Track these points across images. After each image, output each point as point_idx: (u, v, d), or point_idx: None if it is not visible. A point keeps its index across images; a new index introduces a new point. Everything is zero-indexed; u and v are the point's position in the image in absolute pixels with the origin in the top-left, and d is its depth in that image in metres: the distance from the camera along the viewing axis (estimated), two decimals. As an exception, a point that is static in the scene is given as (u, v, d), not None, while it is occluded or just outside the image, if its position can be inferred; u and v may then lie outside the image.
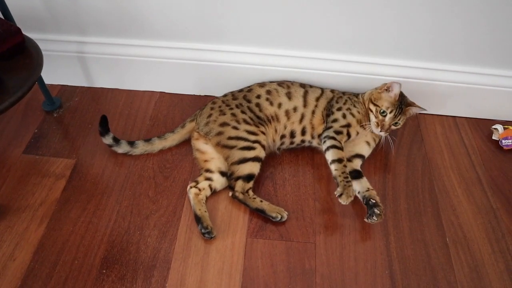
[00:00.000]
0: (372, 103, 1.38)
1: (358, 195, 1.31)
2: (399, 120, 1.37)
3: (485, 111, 1.59)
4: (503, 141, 1.49)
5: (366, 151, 1.41)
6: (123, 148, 1.41)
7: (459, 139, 1.54)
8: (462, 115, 1.61)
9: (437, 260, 1.21)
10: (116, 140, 1.40)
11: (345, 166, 1.29)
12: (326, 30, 1.42)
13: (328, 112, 1.39)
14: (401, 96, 1.36)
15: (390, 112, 1.34)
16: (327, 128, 1.37)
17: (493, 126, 1.54)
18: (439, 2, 1.31)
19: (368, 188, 1.30)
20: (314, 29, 1.42)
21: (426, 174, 1.42)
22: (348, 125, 1.37)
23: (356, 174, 1.34)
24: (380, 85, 1.42)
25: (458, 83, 1.51)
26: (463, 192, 1.38)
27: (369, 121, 1.39)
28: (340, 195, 1.22)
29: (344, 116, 1.37)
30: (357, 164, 1.37)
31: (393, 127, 1.37)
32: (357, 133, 1.39)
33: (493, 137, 1.53)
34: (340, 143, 1.33)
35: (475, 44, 1.41)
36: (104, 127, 1.38)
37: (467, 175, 1.42)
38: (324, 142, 1.34)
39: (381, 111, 1.35)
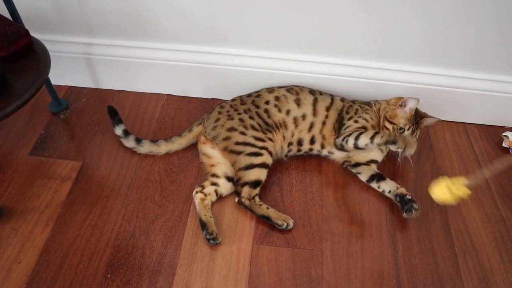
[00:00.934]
0: (388, 121, 1.37)
1: (389, 195, 1.31)
2: (416, 135, 1.38)
3: (496, 117, 1.57)
4: (514, 148, 1.47)
5: (379, 156, 1.41)
6: (130, 143, 1.41)
7: (468, 146, 1.52)
8: (472, 122, 1.59)
9: (445, 270, 1.19)
10: (126, 133, 1.42)
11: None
12: (336, 35, 1.40)
13: (339, 124, 1.39)
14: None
15: (408, 129, 1.35)
16: (341, 135, 1.35)
17: (504, 133, 1.52)
18: (451, 9, 1.29)
19: (398, 187, 1.31)
20: (324, 33, 1.40)
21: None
22: (363, 128, 1.36)
23: (380, 177, 1.35)
24: (391, 97, 1.42)
25: (468, 90, 1.49)
26: (473, 200, 1.36)
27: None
28: (404, 148, 1.23)
29: (356, 122, 1.37)
30: (375, 167, 1.38)
31: None
32: None
33: (503, 145, 1.51)
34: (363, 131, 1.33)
35: (487, 50, 1.39)
36: (114, 117, 1.43)
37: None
38: (347, 141, 1.31)
39: (399, 128, 1.35)
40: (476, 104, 1.53)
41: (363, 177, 1.37)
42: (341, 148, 1.34)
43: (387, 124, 1.37)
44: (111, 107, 1.45)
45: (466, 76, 1.47)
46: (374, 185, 1.35)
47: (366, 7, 1.31)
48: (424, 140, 1.53)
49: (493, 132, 1.56)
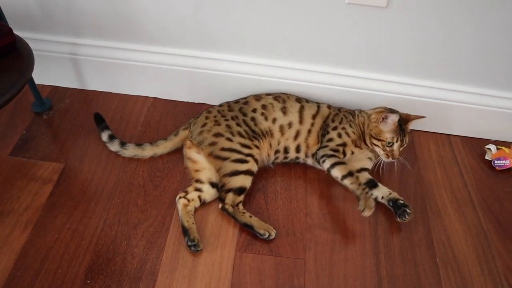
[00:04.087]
0: (375, 138, 1.38)
1: (382, 200, 1.33)
2: (405, 142, 1.39)
3: (479, 130, 1.59)
4: (496, 161, 1.49)
5: (369, 164, 1.42)
6: (114, 146, 1.40)
7: (452, 158, 1.54)
8: (456, 134, 1.61)
9: (427, 281, 1.20)
10: (111, 138, 1.41)
11: (357, 177, 1.30)
12: (326, 43, 1.41)
13: (323, 132, 1.39)
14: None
15: (397, 141, 1.36)
16: (322, 147, 1.36)
17: (487, 146, 1.54)
18: (435, 22, 1.31)
19: (390, 192, 1.33)
20: (314, 42, 1.41)
21: (418, 193, 1.41)
22: (343, 144, 1.37)
23: (372, 184, 1.36)
24: (372, 108, 1.43)
25: (453, 102, 1.51)
26: (455, 212, 1.37)
27: (377, 152, 1.40)
28: (363, 209, 1.23)
29: (339, 136, 1.37)
30: (366, 175, 1.39)
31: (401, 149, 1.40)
32: (352, 152, 1.39)
33: (486, 157, 1.53)
34: (340, 159, 1.34)
35: (471, 64, 1.41)
36: (100, 124, 1.44)
37: (459, 195, 1.42)
38: (324, 161, 1.33)
39: (388, 143, 1.36)
40: (461, 117, 1.55)
41: None
42: (318, 162, 1.36)
43: (375, 142, 1.38)
44: (98, 114, 1.45)
45: (451, 88, 1.48)
46: None
47: (356, 18, 1.32)
48: (409, 151, 1.54)
49: (477, 145, 1.58)
